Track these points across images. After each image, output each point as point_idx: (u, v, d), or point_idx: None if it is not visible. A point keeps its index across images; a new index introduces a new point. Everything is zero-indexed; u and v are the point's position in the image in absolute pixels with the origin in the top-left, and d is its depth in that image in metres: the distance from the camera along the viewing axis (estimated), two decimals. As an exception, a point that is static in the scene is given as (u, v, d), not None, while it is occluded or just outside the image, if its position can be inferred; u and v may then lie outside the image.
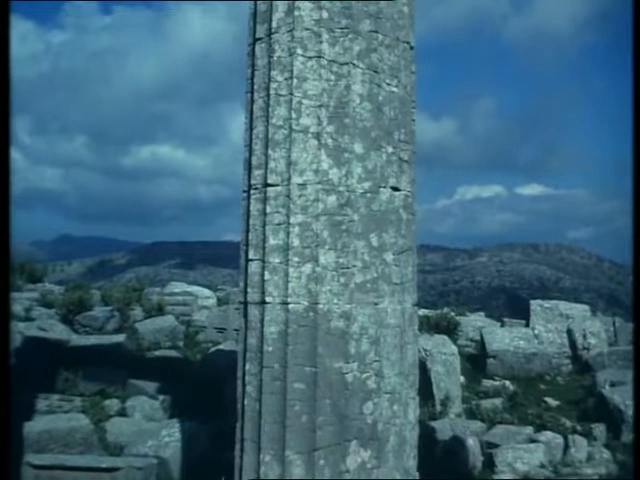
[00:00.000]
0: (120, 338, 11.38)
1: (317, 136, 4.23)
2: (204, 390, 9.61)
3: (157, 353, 11.40)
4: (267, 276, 4.24)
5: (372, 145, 4.30)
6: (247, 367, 4.34)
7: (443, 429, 8.64)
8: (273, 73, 4.35)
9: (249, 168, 4.47)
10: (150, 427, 8.75)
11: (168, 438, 8.07)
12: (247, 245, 4.42)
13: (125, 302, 12.98)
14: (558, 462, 8.29)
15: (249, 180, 4.46)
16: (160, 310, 13.00)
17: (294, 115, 4.26)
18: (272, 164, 4.30)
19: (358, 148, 4.27)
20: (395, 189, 4.40)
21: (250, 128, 4.50)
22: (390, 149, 4.39)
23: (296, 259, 4.17)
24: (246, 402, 4.32)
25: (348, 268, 4.18)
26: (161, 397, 9.75)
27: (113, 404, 9.58)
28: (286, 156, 4.26)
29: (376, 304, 4.23)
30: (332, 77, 4.28)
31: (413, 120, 4.64)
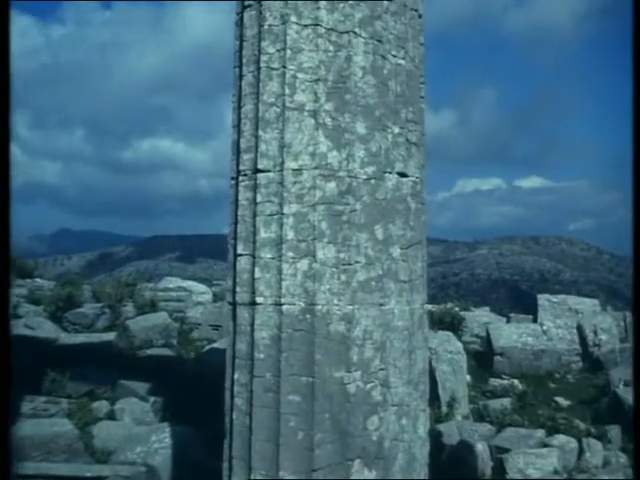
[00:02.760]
0: (110, 336, 10.91)
1: (314, 114, 3.74)
2: (198, 391, 9.14)
3: (149, 352, 10.93)
4: (258, 273, 3.75)
5: (376, 125, 3.80)
6: (236, 376, 3.86)
7: (450, 432, 8.16)
8: (264, 44, 3.86)
9: (237, 152, 3.97)
10: (140, 431, 8.27)
11: (158, 444, 7.59)
12: (235, 239, 3.93)
13: (117, 298, 12.48)
14: (572, 468, 7.82)
15: (237, 165, 3.96)
16: (153, 306, 12.51)
17: (288, 91, 3.76)
18: (263, 147, 3.81)
19: (360, 128, 3.77)
20: (402, 175, 3.91)
21: (238, 107, 4.01)
22: (396, 129, 3.89)
23: (291, 254, 3.69)
24: (235, 416, 3.84)
25: (350, 264, 3.69)
26: (152, 399, 9.29)
27: (102, 406, 9.11)
28: (279, 137, 3.77)
29: (381, 305, 3.75)
30: (331, 48, 3.79)
31: (422, 97, 4.14)
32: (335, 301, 3.66)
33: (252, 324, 3.76)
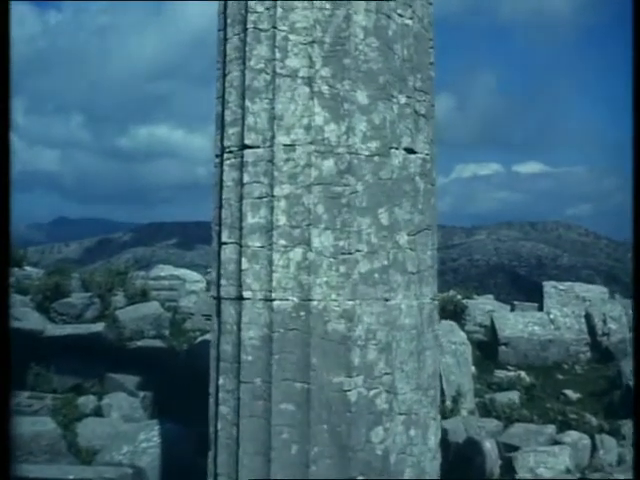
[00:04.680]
0: (99, 327, 10.43)
1: (308, 82, 3.27)
2: (190, 385, 8.69)
3: (139, 343, 10.47)
4: (245, 264, 3.29)
5: (380, 94, 3.32)
6: (221, 381, 3.41)
7: (456, 429, 7.72)
8: (251, 2, 3.42)
9: (222, 126, 3.50)
10: (127, 429, 7.82)
11: (146, 443, 7.14)
12: (220, 225, 3.47)
13: (107, 287, 11.99)
14: (586, 466, 7.38)
15: (222, 141, 3.49)
16: (144, 296, 12.01)
17: (278, 55, 3.29)
18: (250, 119, 3.33)
19: (362, 97, 3.30)
20: (410, 151, 3.44)
21: (222, 75, 3.53)
22: (403, 99, 3.42)
23: (282, 242, 3.23)
24: (220, 427, 3.40)
25: (350, 253, 3.23)
26: (142, 394, 8.86)
27: (89, 401, 8.67)
28: (268, 108, 3.30)
29: (386, 300, 3.29)
30: (327, 5, 3.33)
31: (431, 64, 3.65)
32: (333, 296, 3.22)
33: (239, 322, 3.32)
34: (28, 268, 15.53)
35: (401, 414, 3.30)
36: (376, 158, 3.29)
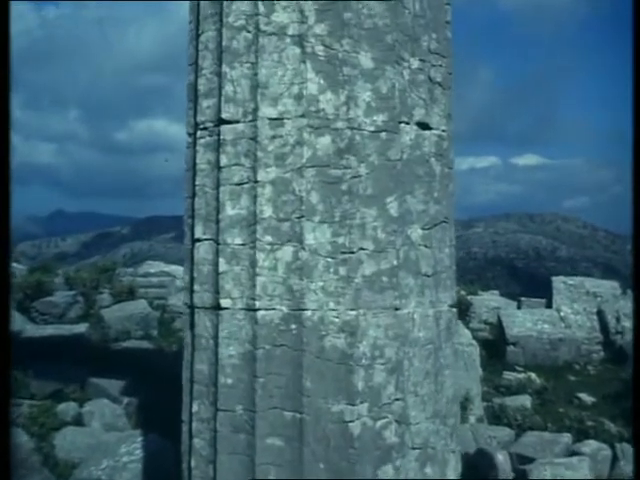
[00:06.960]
0: (82, 328, 9.89)
1: (299, 41, 2.66)
2: (178, 390, 8.11)
3: (125, 344, 9.95)
4: (223, 266, 2.69)
5: (388, 56, 2.71)
6: (195, 409, 2.81)
7: (464, 438, 7.11)
8: (229, -55, 2.76)
9: (195, 97, 2.89)
10: (109, 439, 7.24)
11: (127, 457, 6.57)
12: (193, 217, 2.85)
13: (92, 285, 11.42)
14: (606, 478, 6.81)
15: (195, 116, 2.88)
16: (131, 293, 11.46)
17: (262, 9, 2.69)
18: (229, 88, 2.72)
19: (365, 60, 2.69)
20: (424, 126, 2.83)
21: (196, 35, 2.92)
22: (415, 63, 2.81)
23: (268, 239, 2.63)
24: (194, 463, 2.79)
25: (352, 252, 2.63)
26: (125, 400, 8.30)
27: (69, 409, 8.09)
28: (250, 74, 2.69)
29: (396, 309, 2.69)
30: (323, -53, 2.68)
31: (448, 22, 3.04)
32: (331, 304, 2.62)
33: (216, 336, 2.73)
34: (14, 264, 15.00)
35: (415, 448, 2.71)
36: (383, 134, 2.68)
